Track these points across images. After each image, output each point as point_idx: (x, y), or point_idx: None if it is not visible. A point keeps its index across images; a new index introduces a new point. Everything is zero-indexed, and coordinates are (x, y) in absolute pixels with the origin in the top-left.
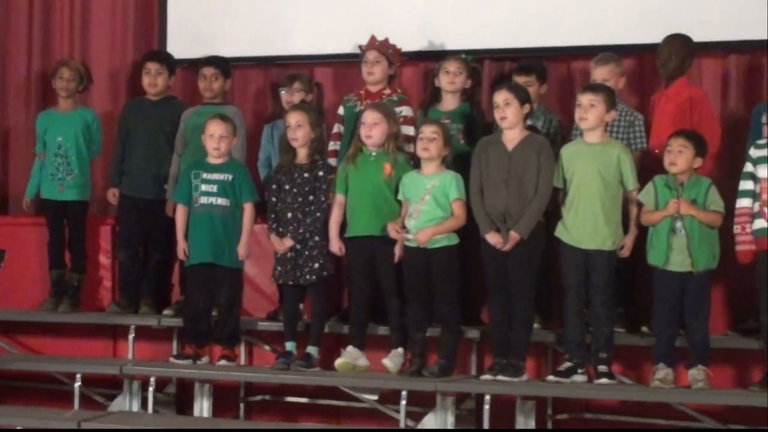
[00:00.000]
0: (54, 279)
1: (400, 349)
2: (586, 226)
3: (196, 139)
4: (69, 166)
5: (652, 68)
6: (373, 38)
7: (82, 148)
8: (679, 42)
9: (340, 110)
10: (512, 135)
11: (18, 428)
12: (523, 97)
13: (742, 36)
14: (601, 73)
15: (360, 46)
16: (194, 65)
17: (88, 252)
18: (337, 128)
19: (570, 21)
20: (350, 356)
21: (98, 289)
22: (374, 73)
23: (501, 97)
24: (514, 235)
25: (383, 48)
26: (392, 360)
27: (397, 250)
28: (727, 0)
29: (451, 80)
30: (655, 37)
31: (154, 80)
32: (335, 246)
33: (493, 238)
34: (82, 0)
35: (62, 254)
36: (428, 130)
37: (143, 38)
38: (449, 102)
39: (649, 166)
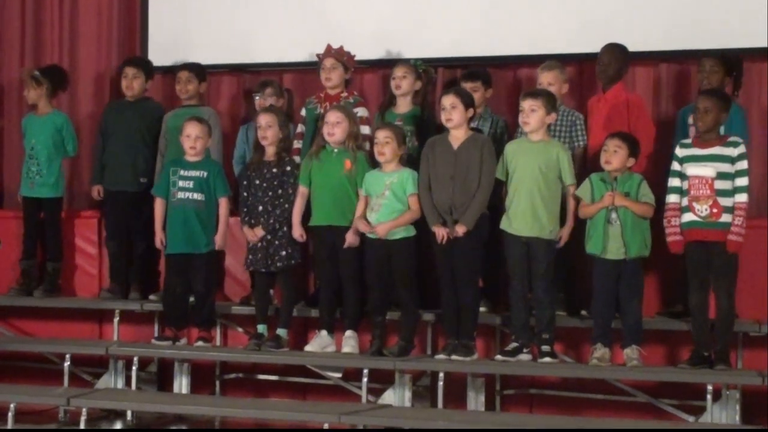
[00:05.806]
0: (23, 269)
1: (351, 332)
2: (527, 215)
3: (176, 138)
4: (39, 166)
5: (589, 74)
6: (329, 47)
7: (51, 150)
8: (618, 50)
9: (303, 112)
10: (458, 134)
11: None
12: (467, 101)
13: (672, 46)
14: (546, 78)
15: (317, 55)
16: (173, 71)
17: (76, 243)
18: (300, 128)
19: (516, 32)
20: (320, 344)
21: (86, 277)
22: (332, 78)
23: (448, 101)
24: (460, 227)
25: (339, 55)
26: (348, 344)
27: (349, 236)
28: (659, 13)
29: (396, 84)
30: (593, 46)
31: (131, 83)
32: (297, 232)
33: (437, 231)
34: (70, 11)
35: (34, 246)
36: (381, 135)
37: (127, 47)
38: (402, 105)
39: (590, 162)
